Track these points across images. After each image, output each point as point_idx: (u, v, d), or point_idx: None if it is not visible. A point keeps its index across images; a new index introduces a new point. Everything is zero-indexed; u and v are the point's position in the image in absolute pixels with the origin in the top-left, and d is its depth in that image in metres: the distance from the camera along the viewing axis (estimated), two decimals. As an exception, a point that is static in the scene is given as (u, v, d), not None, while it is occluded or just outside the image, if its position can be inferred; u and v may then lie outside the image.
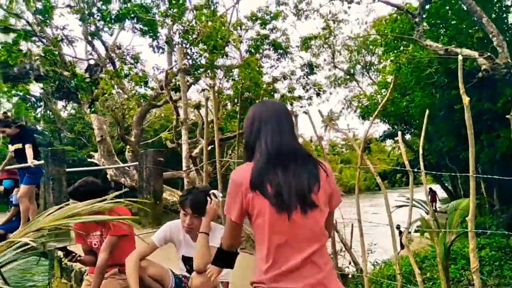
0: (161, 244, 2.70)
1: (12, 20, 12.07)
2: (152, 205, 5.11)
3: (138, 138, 9.62)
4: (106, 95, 9.31)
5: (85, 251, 3.22)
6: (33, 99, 40.50)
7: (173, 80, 8.64)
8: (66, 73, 10.71)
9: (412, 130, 18.10)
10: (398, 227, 14.16)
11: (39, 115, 40.41)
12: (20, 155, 5.47)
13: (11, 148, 5.58)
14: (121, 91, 9.92)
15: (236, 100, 10.92)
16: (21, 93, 39.99)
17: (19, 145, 5.49)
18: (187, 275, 2.76)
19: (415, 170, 3.63)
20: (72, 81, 9.20)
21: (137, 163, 5.62)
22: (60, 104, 36.50)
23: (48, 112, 36.90)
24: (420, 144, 3.41)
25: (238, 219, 1.61)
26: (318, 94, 11.67)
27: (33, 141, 5.52)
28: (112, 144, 10.34)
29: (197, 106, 10.33)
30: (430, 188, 20.16)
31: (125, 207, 3.20)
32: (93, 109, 9.26)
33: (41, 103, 38.45)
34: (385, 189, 3.70)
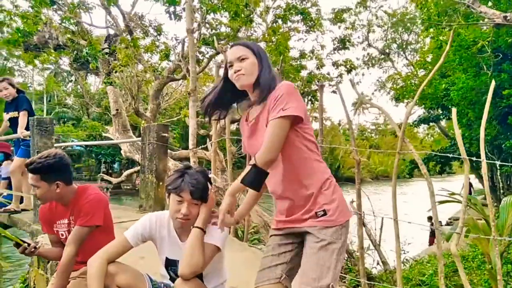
0: (136, 243, 2.06)
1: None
2: (155, 186, 4.50)
3: (154, 113, 9.07)
4: (122, 66, 8.75)
5: (53, 243, 2.64)
6: (64, 74, 41.34)
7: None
8: (82, 42, 10.21)
9: (449, 114, 16.84)
10: (430, 218, 13.25)
11: (70, 90, 41.25)
12: (16, 124, 4.98)
13: (6, 116, 5.09)
14: (138, 62, 9.33)
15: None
16: (52, 66, 40.86)
17: (15, 113, 5.00)
18: (170, 284, 2.13)
19: (474, 159, 2.84)
20: (85, 50, 8.67)
21: (139, 138, 5.03)
22: (91, 79, 37.13)
23: (78, 86, 37.44)
24: (482, 127, 2.60)
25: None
26: (349, 71, 10.70)
27: (29, 109, 5.00)
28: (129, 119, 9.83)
29: (218, 81, 9.62)
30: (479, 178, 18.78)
31: (98, 191, 2.60)
32: (108, 81, 8.73)
33: (72, 78, 39.16)
34: (429, 179, 2.92)
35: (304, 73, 10.69)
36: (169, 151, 9.22)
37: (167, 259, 2.10)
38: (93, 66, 8.71)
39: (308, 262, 1.65)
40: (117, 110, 9.11)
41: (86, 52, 8.53)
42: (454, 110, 2.61)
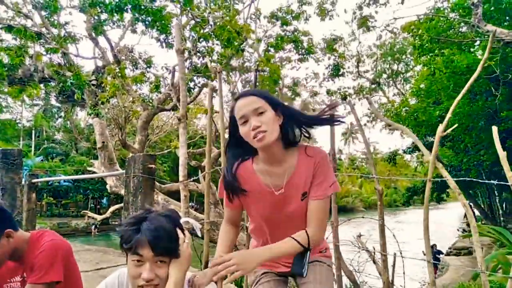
0: None
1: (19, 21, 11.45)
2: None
3: (143, 145, 8.62)
4: (109, 97, 8.36)
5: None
6: (54, 109, 40.91)
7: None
8: (68, 73, 9.86)
9: (444, 141, 16.63)
10: (433, 247, 12.72)
11: (59, 125, 40.68)
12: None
13: None
14: (126, 93, 8.96)
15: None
16: (41, 102, 40.46)
17: None
18: None
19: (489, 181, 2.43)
20: (69, 80, 8.29)
21: (123, 171, 4.55)
22: (80, 114, 36.72)
23: (68, 122, 36.92)
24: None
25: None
26: (344, 98, 10.46)
27: None
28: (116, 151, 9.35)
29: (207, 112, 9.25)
30: (471, 206, 18.43)
31: (55, 237, 2.11)
32: (94, 111, 8.31)
33: (62, 113, 38.71)
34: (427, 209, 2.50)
35: (298, 102, 10.41)
36: (158, 184, 8.71)
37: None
38: (78, 96, 8.30)
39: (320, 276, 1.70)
40: (103, 142, 8.65)
41: (71, 83, 8.14)
42: (494, 129, 2.22)
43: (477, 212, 20.88)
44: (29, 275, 1.93)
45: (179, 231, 1.48)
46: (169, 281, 1.41)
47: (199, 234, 1.85)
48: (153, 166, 4.07)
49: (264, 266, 1.78)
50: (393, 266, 5.20)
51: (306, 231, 1.57)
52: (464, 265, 12.01)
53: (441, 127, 2.48)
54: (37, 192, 7.29)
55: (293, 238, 1.56)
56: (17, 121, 36.93)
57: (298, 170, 1.60)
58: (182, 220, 1.56)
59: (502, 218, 16.06)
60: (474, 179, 2.83)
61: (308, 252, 1.59)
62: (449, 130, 2.46)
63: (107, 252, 4.73)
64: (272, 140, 1.51)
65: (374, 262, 4.80)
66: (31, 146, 34.99)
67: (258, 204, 1.68)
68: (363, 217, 3.19)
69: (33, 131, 36.41)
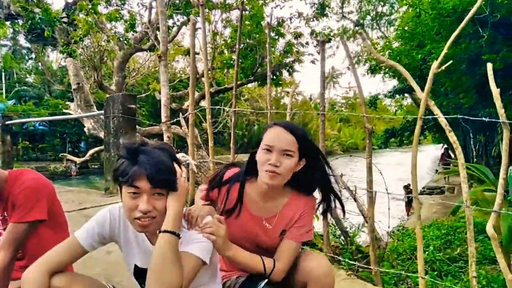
0: (92, 246, 1.49)
1: None
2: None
3: (120, 87, 8.30)
4: (82, 36, 7.89)
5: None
6: (24, 50, 38.86)
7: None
8: (37, 10, 9.20)
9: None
10: (406, 187, 13.21)
11: (30, 67, 38.85)
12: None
13: None
14: (100, 31, 8.47)
15: (234, 46, 9.49)
16: (9, 43, 38.42)
17: None
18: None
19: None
20: (38, 16, 7.74)
21: (101, 112, 4.36)
22: (52, 56, 35.03)
23: (39, 64, 35.24)
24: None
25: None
26: (329, 40, 10.20)
27: None
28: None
29: (189, 52, 8.90)
30: (446, 148, 18.88)
31: (36, 175, 2.01)
32: (66, 50, 7.86)
33: (32, 55, 36.83)
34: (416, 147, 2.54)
35: (282, 42, 10.09)
36: (138, 127, 8.54)
37: (136, 267, 1.55)
38: (48, 34, 7.80)
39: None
40: (78, 84, 8.30)
41: (40, 19, 7.60)
42: (489, 66, 2.15)
43: (452, 155, 21.61)
44: (10, 214, 1.85)
45: (176, 165, 1.43)
46: (168, 212, 1.38)
47: (195, 169, 1.80)
48: (133, 106, 3.90)
49: (230, 270, 1.79)
50: (373, 203, 5.33)
51: (274, 261, 1.59)
52: (436, 203, 12.55)
53: (435, 64, 2.41)
54: (11, 135, 7.06)
55: (262, 259, 1.58)
56: (-16, 63, 35.10)
57: (285, 211, 1.66)
58: (180, 155, 1.50)
59: (475, 160, 16.65)
60: (468, 117, 2.80)
61: (263, 282, 1.56)
62: (443, 67, 2.38)
63: (90, 193, 4.67)
64: (279, 183, 1.57)
65: (355, 200, 4.93)
66: (1, 89, 33.57)
67: (234, 222, 1.67)
68: (350, 156, 3.18)
69: (3, 74, 34.78)
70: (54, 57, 34.07)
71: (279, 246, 1.63)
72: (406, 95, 20.27)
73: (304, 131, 1.64)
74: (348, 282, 2.61)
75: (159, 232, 1.36)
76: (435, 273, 4.39)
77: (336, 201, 1.72)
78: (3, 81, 34.33)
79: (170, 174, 1.38)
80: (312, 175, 1.63)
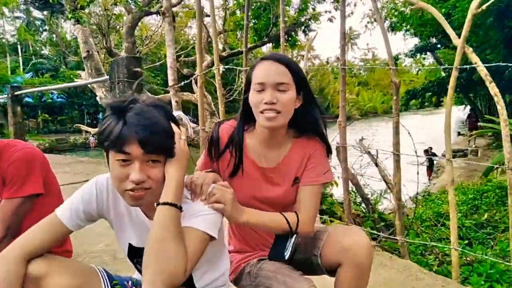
0: (77, 225, 1.27)
1: None
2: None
3: (130, 52, 8.02)
4: (88, 0, 7.59)
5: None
6: (37, 22, 38.72)
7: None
8: (42, -25, 8.90)
9: (448, 42, 15.85)
10: (426, 151, 12.78)
11: (44, 39, 38.80)
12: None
13: None
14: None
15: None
16: (23, 15, 38.40)
17: None
18: (138, 278, 1.41)
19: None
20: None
21: (106, 77, 4.13)
22: (66, 27, 34.76)
23: (54, 35, 35.09)
24: None
25: None
26: (346, -4, 9.56)
27: None
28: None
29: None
30: (472, 109, 18.13)
31: (27, 146, 1.81)
32: (73, 16, 7.59)
33: (46, 27, 36.67)
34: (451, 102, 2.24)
35: (296, 0, 9.55)
36: (149, 94, 8.33)
37: (131, 246, 1.34)
38: (53, 0, 7.53)
39: None
40: (87, 51, 8.06)
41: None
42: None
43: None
44: (0, 191, 1.67)
45: (173, 125, 1.18)
46: (167, 181, 1.15)
47: (191, 133, 1.54)
48: (138, 69, 3.66)
49: (249, 252, 1.56)
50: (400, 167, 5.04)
51: (296, 214, 1.39)
52: (459, 166, 12.17)
53: (475, 3, 2.06)
54: (22, 106, 6.97)
55: (283, 214, 1.37)
56: (0, 36, 35.21)
57: (291, 155, 1.44)
58: (176, 113, 1.26)
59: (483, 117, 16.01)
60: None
61: (294, 237, 1.37)
62: (484, 6, 2.04)
63: (100, 163, 4.53)
64: (281, 124, 1.34)
65: (377, 165, 4.65)
66: (18, 62, 33.74)
67: (240, 181, 1.45)
68: (376, 114, 2.89)
69: (19, 47, 34.85)
70: (68, 28, 33.82)
71: (297, 196, 1.43)
72: (428, 54, 19.38)
73: (294, 61, 1.40)
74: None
75: (157, 204, 1.13)
76: (465, 242, 4.14)
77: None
78: (20, 54, 34.45)
79: (166, 137, 1.14)
80: (311, 115, 1.40)
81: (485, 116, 19.26)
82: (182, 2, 9.10)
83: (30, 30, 36.22)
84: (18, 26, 36.15)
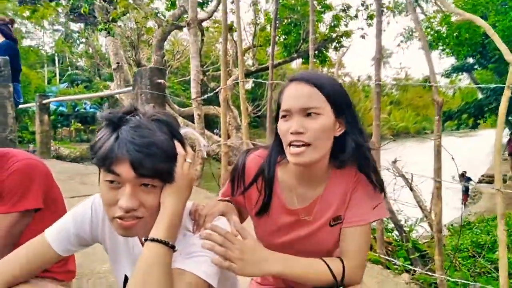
0: (68, 250, 1.11)
1: None
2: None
3: (158, 65, 8.04)
4: (120, 13, 7.68)
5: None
6: (75, 35, 40.33)
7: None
8: (77, -12, 9.13)
9: (486, 63, 15.24)
10: (463, 174, 12.12)
11: (81, 51, 40.29)
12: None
13: None
14: (138, 8, 8.23)
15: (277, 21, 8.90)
16: (62, 28, 40.13)
17: None
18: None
19: None
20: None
21: (129, 88, 4.04)
22: (101, 40, 36.00)
23: (89, 47, 36.37)
24: None
25: None
26: (381, 12, 9.31)
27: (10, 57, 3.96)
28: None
29: (229, 28, 8.46)
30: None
31: (26, 156, 1.66)
32: (104, 28, 7.69)
33: (83, 40, 38.11)
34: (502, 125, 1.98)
35: (328, 16, 9.38)
36: (177, 107, 8.29)
37: (126, 278, 1.15)
38: (85, 10, 7.65)
39: None
40: (117, 63, 8.14)
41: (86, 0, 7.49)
42: None
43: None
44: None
45: (177, 144, 0.98)
46: (161, 214, 0.95)
47: (203, 153, 1.31)
48: (162, 81, 3.53)
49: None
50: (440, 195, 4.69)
51: (341, 259, 1.12)
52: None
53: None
54: (49, 115, 7.03)
55: (324, 261, 1.10)
56: (39, 47, 36.79)
57: (330, 189, 1.18)
58: (184, 130, 1.05)
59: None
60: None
61: None
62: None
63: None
64: (313, 160, 1.08)
65: (411, 189, 4.32)
66: (55, 73, 35.04)
67: (268, 221, 1.23)
68: (415, 135, 2.63)
69: (56, 58, 36.27)
70: (103, 41, 35.00)
71: (341, 242, 1.17)
72: (464, 74, 18.75)
73: (332, 78, 1.14)
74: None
75: (145, 240, 0.94)
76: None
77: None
78: (57, 65, 35.79)
79: (165, 159, 0.93)
80: (352, 141, 1.12)
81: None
82: (214, 17, 9.07)
83: (68, 42, 37.69)
84: (56, 38, 37.78)
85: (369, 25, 9.19)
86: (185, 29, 9.70)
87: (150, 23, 8.53)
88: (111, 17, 7.94)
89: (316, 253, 1.17)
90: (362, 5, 9.18)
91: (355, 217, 1.15)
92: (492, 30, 2.07)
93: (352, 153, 1.11)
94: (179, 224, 0.99)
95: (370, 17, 8.98)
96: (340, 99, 1.09)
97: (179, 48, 21.68)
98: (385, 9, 10.90)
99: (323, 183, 1.18)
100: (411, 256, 3.37)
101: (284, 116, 1.09)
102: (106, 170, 0.91)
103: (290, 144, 1.06)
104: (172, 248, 0.94)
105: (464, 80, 24.76)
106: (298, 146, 1.05)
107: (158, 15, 7.60)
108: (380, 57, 2.58)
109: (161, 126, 0.95)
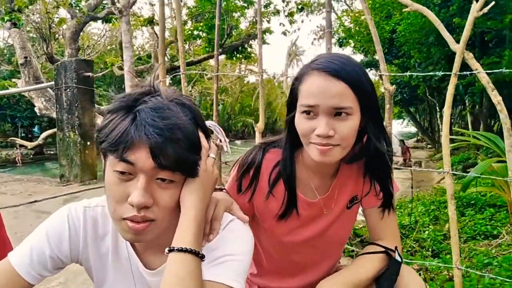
0: (40, 277, 0.89)
1: None
2: (80, 147, 3.26)
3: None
4: (26, 2, 6.94)
5: None
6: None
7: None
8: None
9: (391, 59, 16.53)
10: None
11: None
12: None
13: None
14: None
15: (199, 15, 8.77)
16: None
17: None
18: None
19: None
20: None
21: (51, 83, 3.63)
22: (3, 33, 32.35)
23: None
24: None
25: None
26: (301, 9, 9.61)
27: None
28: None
29: (150, 21, 8.12)
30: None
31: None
32: (8, 18, 6.88)
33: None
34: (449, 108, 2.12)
35: (251, 11, 9.44)
36: (97, 106, 7.74)
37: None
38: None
39: None
40: (25, 58, 7.35)
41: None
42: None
43: (414, 129, 21.86)
44: None
45: (201, 136, 0.84)
46: (184, 217, 0.80)
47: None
48: (90, 74, 3.21)
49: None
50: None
51: (381, 245, 1.14)
52: (407, 177, 12.54)
53: (477, 6, 1.93)
54: None
55: (369, 252, 1.13)
56: None
57: (343, 174, 1.16)
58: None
59: (441, 133, 16.88)
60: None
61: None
62: (486, 9, 1.92)
63: (42, 181, 3.96)
64: (338, 159, 1.03)
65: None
66: None
67: (292, 224, 1.17)
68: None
69: None
70: (1, 34, 31.53)
71: (372, 223, 1.18)
72: (372, 69, 20.18)
73: (359, 67, 1.02)
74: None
75: (170, 250, 0.78)
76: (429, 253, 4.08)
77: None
78: None
79: (190, 147, 0.78)
80: (371, 145, 1.06)
81: (425, 127, 20.33)
82: (132, 10, 8.62)
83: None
84: None
85: (291, 22, 9.42)
86: (95, 23, 9.11)
87: (63, 13, 7.83)
88: (16, 7, 7.14)
89: (334, 243, 1.20)
90: (283, 1, 9.40)
91: (373, 199, 1.18)
92: (438, 21, 2.19)
93: (370, 159, 1.10)
94: (203, 229, 0.86)
95: (291, 14, 9.22)
96: (370, 99, 1.01)
97: (90, 42, 20.32)
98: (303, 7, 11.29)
99: (337, 168, 1.16)
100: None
101: (306, 112, 0.99)
102: (118, 158, 0.75)
103: (312, 144, 1.00)
104: (202, 258, 0.81)
105: (372, 76, 26.68)
106: (324, 148, 0.98)
107: (72, 4, 7.00)
108: (331, 30, 2.60)
109: (184, 110, 0.81)
